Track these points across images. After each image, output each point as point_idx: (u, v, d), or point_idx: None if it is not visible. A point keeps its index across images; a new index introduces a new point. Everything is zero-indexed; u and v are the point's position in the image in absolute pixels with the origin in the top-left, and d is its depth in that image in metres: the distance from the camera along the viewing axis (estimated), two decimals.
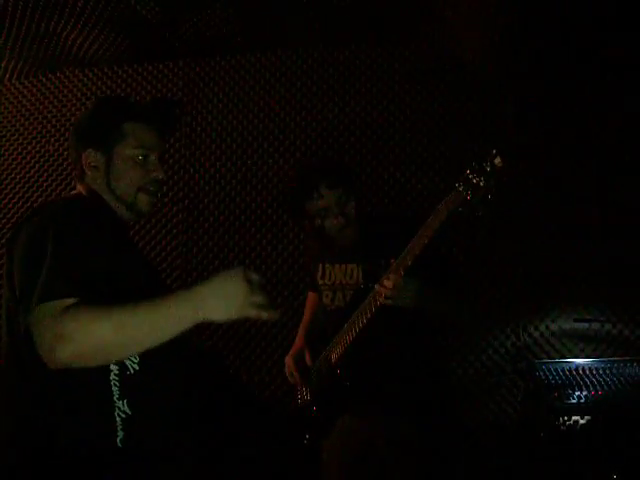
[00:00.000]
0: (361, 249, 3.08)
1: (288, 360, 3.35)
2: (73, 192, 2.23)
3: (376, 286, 2.73)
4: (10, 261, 1.89)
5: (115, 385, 1.86)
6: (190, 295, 1.77)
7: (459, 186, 2.52)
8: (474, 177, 2.47)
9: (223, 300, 1.78)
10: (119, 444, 1.83)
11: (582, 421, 3.42)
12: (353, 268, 3.12)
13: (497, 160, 2.43)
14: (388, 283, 2.67)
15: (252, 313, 1.82)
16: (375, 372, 2.97)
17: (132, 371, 1.89)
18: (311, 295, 3.50)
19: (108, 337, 1.67)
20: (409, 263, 2.65)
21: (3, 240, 5.04)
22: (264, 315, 1.84)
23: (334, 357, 3.05)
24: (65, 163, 5.05)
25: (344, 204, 3.02)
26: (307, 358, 3.23)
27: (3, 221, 5.10)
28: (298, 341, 3.43)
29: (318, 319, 3.41)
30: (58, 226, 1.82)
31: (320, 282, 3.26)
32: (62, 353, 1.64)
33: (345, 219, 3.02)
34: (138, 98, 4.88)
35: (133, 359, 1.89)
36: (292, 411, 3.49)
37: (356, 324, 2.89)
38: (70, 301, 1.68)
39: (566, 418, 3.43)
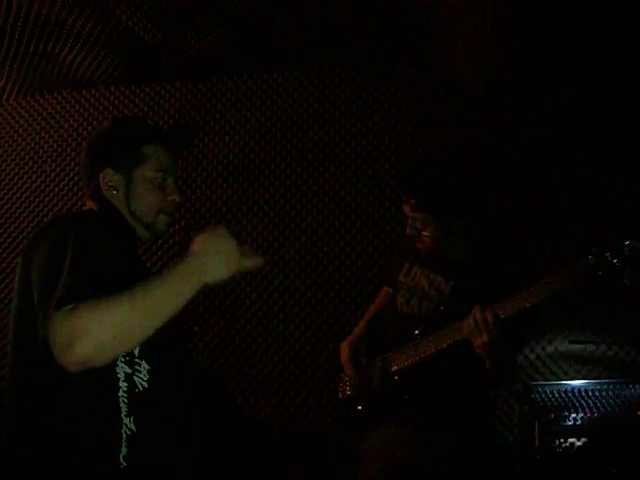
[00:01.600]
0: (456, 268, 3.01)
1: (344, 349, 3.28)
2: (85, 208, 2.26)
3: (471, 317, 2.63)
4: (26, 268, 1.90)
5: (124, 402, 1.87)
6: (188, 264, 1.79)
7: (591, 258, 2.45)
8: (610, 255, 2.42)
9: (220, 259, 1.80)
10: (121, 460, 1.84)
11: (578, 443, 3.39)
12: (441, 282, 3.04)
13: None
14: (480, 319, 2.59)
15: (248, 263, 1.85)
16: (433, 394, 2.92)
17: (141, 388, 1.91)
18: (384, 290, 3.42)
19: (123, 321, 1.67)
20: (513, 311, 2.58)
21: (3, 255, 5.07)
22: (259, 261, 1.88)
23: (395, 365, 3.00)
24: (62, 184, 5.05)
25: (419, 225, 2.94)
26: (364, 354, 3.20)
27: (0, 240, 5.10)
28: (358, 330, 3.38)
29: (386, 316, 3.32)
30: (76, 236, 1.85)
31: (401, 279, 3.19)
32: (81, 347, 1.63)
33: (418, 235, 2.95)
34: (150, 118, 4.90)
35: (142, 377, 1.91)
36: (334, 402, 3.44)
37: (433, 345, 2.83)
38: None
39: (562, 440, 3.40)
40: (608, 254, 2.42)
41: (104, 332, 1.65)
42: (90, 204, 2.22)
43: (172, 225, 2.36)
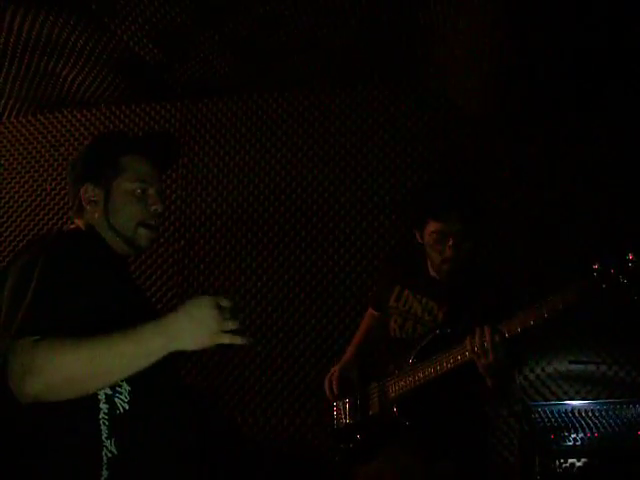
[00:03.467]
0: (450, 292, 3.00)
1: (334, 375, 3.28)
2: (71, 226, 2.21)
3: (476, 339, 2.60)
4: (1, 293, 1.87)
5: (104, 424, 1.82)
6: (161, 325, 1.75)
7: (596, 275, 2.44)
8: (615, 271, 2.40)
9: (194, 328, 1.76)
10: None
11: (579, 463, 3.38)
12: (434, 306, 3.03)
13: None
14: (489, 339, 2.57)
15: (224, 340, 1.79)
16: (434, 419, 2.91)
17: (122, 410, 1.86)
18: (370, 313, 3.42)
19: (78, 369, 1.65)
20: (518, 330, 2.56)
21: None
22: (237, 341, 1.81)
23: (393, 391, 2.98)
24: (62, 202, 5.06)
25: (463, 239, 2.90)
26: (355, 380, 3.19)
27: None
28: (348, 355, 3.36)
29: (378, 341, 3.31)
30: (45, 262, 1.80)
31: (393, 304, 3.16)
32: (32, 385, 1.62)
33: (454, 254, 2.90)
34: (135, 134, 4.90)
35: (123, 398, 1.87)
36: (326, 430, 3.41)
37: (432, 369, 2.81)
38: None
39: (562, 460, 3.39)
40: (612, 270, 2.41)
41: (57, 375, 1.64)
42: (77, 222, 2.18)
43: (157, 240, 2.30)
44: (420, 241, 3.06)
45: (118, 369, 1.71)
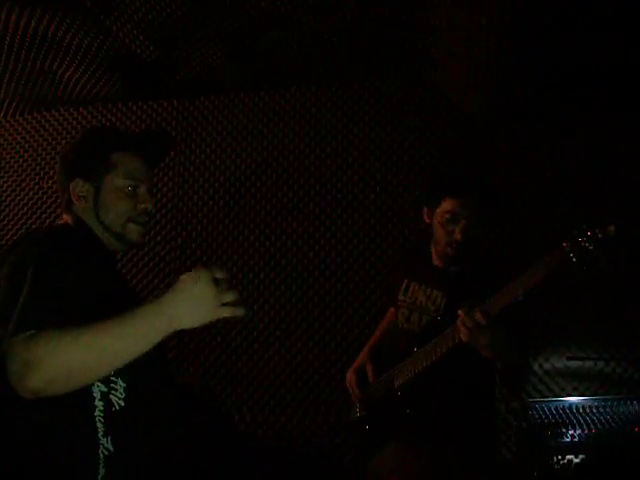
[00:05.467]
0: (452, 280, 3.02)
1: (350, 373, 3.29)
2: (59, 222, 2.20)
3: (458, 322, 2.62)
4: None
5: (100, 421, 1.80)
6: (158, 306, 1.70)
7: (565, 246, 2.43)
8: (583, 240, 2.39)
9: (193, 306, 1.70)
10: None
11: (576, 460, 3.38)
12: (438, 295, 3.04)
13: (611, 228, 2.36)
14: (469, 322, 2.57)
15: (225, 313, 1.74)
16: (437, 405, 2.91)
17: (117, 407, 1.84)
18: (390, 311, 3.41)
19: (77, 359, 1.63)
20: (497, 309, 2.56)
21: None
22: (238, 312, 1.75)
23: (397, 382, 2.99)
24: (59, 200, 5.04)
25: (474, 224, 2.91)
26: (370, 375, 3.18)
27: None
28: (363, 354, 3.36)
29: (389, 336, 3.33)
30: (38, 258, 1.78)
31: (400, 298, 3.18)
32: (32, 380, 1.60)
33: (462, 237, 2.90)
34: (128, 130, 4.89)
35: (119, 395, 1.85)
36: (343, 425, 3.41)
37: (429, 356, 2.83)
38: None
39: (560, 457, 3.39)
40: (581, 240, 2.41)
41: (56, 368, 1.62)
42: (65, 217, 2.16)
43: (153, 238, 2.27)
44: (428, 221, 3.07)
45: (118, 354, 1.68)
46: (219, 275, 1.75)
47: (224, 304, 1.73)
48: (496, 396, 3.14)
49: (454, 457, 2.83)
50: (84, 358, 1.63)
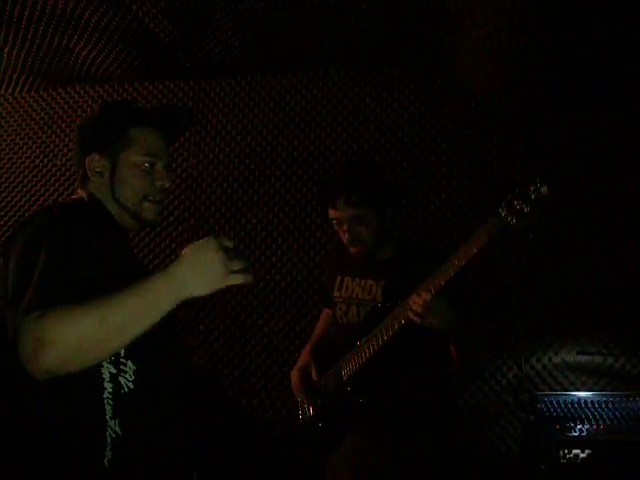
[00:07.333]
0: (384, 267, 3.04)
1: (294, 374, 3.30)
2: (74, 196, 2.18)
3: (410, 301, 2.66)
4: (6, 265, 1.81)
5: (108, 403, 1.78)
6: (168, 275, 1.69)
7: (502, 211, 2.46)
8: (518, 203, 2.42)
9: (202, 273, 1.69)
10: (106, 464, 1.76)
11: (583, 455, 3.37)
12: (372, 284, 3.06)
13: (544, 189, 2.38)
14: (418, 300, 2.61)
15: (234, 281, 1.72)
16: (389, 392, 2.93)
17: (126, 390, 1.82)
18: (325, 312, 3.44)
19: (90, 333, 1.60)
20: (442, 283, 2.59)
21: None
22: (247, 279, 1.74)
23: (345, 374, 3.00)
24: (72, 178, 5.05)
25: (355, 224, 2.96)
26: (313, 373, 3.18)
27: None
28: (305, 355, 3.37)
29: (328, 335, 3.35)
30: (51, 235, 1.76)
31: (335, 294, 3.20)
32: (45, 359, 1.58)
33: (351, 237, 2.98)
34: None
35: (128, 377, 1.83)
36: (294, 427, 3.42)
37: (375, 341, 2.84)
38: None
39: (567, 451, 3.38)
40: (516, 202, 2.43)
41: (69, 345, 1.59)
42: (80, 192, 2.13)
43: (162, 214, 2.24)
44: None
45: (130, 325, 1.65)
46: (227, 244, 1.74)
47: (233, 272, 1.72)
48: (447, 372, 3.11)
49: (418, 442, 2.84)
50: (95, 331, 1.60)
